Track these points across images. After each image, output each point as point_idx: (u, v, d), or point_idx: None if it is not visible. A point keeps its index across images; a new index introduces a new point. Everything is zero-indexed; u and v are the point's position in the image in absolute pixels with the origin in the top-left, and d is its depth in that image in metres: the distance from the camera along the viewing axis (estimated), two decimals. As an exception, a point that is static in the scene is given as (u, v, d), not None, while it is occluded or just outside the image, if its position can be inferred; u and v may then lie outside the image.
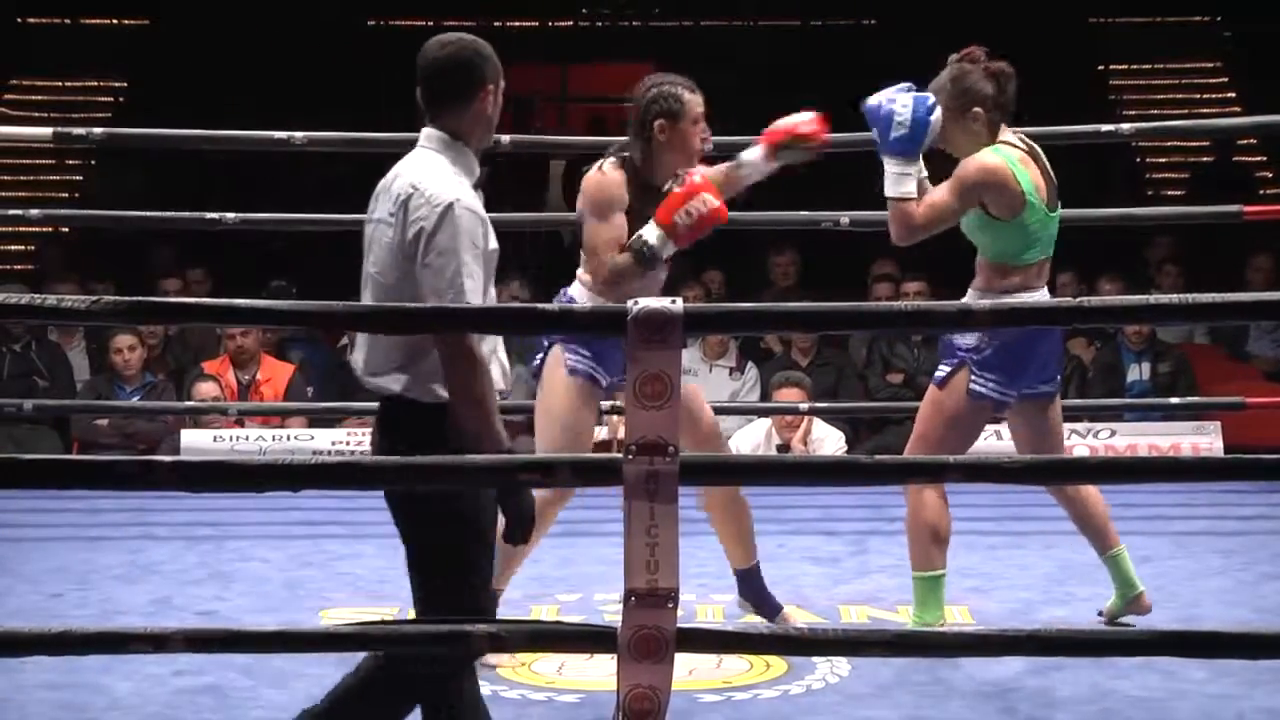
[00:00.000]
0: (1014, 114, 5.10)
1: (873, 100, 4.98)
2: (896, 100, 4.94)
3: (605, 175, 4.99)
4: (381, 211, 3.66)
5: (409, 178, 3.62)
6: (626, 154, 5.05)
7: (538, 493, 4.99)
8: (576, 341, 5.01)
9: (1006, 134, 5.06)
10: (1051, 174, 5.09)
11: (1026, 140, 5.11)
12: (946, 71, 5.04)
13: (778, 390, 8.03)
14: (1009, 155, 4.99)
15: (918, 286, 8.95)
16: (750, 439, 8.09)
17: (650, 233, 4.89)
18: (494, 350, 3.65)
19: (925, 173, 5.08)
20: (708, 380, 8.56)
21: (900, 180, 4.96)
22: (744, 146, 5.25)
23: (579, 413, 5.04)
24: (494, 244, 3.65)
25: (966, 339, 5.03)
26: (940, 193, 5.01)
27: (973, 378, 5.03)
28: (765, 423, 8.10)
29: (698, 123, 5.05)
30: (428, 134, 3.71)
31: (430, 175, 3.60)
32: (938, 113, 4.93)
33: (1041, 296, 5.03)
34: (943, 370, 5.11)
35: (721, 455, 3.43)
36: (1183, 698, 4.59)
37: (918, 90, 5.00)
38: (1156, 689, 4.64)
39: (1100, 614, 5.33)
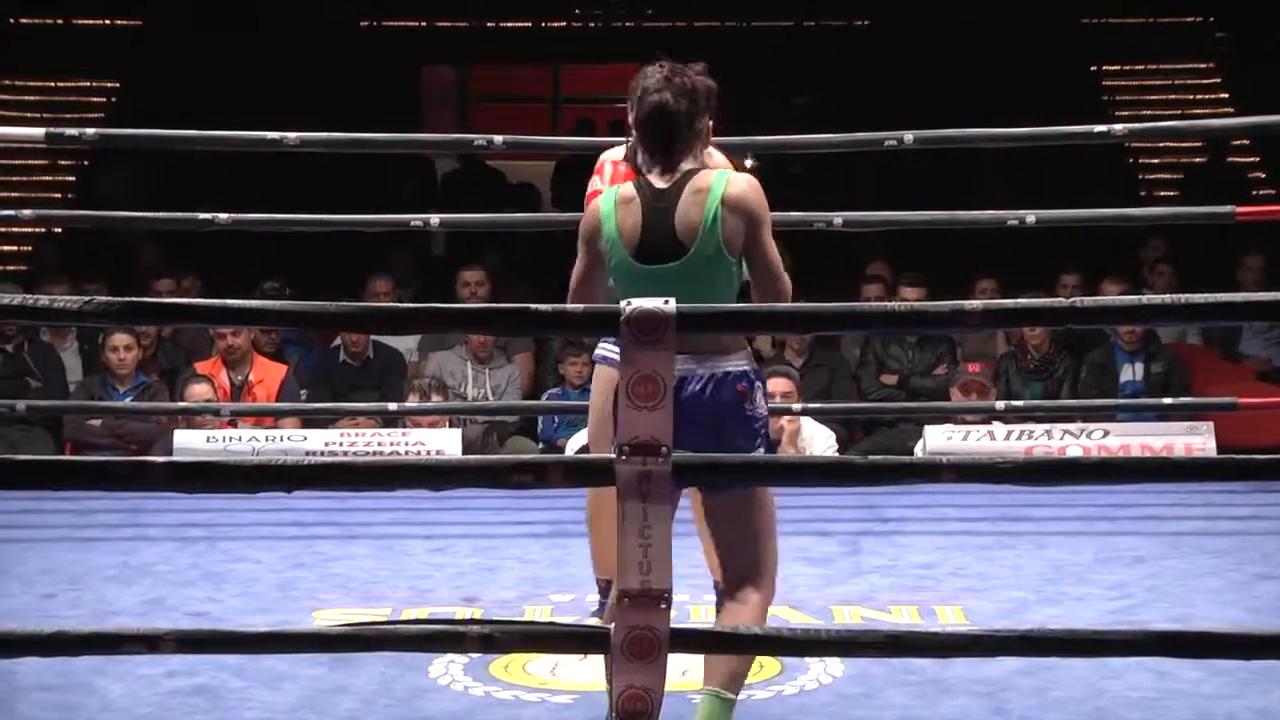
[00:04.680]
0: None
1: None
2: None
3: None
4: None
5: None
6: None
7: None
8: None
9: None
10: None
11: None
12: (689, 81, 4.12)
13: (767, 380, 8.00)
14: None
15: (916, 293, 8.94)
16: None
17: None
18: None
19: None
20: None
21: None
22: (734, 147, 5.21)
23: None
24: None
25: None
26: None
27: None
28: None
29: None
30: None
31: None
32: None
33: None
34: None
35: (714, 455, 3.42)
36: (1175, 697, 4.59)
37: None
38: (1149, 689, 4.64)
39: None
